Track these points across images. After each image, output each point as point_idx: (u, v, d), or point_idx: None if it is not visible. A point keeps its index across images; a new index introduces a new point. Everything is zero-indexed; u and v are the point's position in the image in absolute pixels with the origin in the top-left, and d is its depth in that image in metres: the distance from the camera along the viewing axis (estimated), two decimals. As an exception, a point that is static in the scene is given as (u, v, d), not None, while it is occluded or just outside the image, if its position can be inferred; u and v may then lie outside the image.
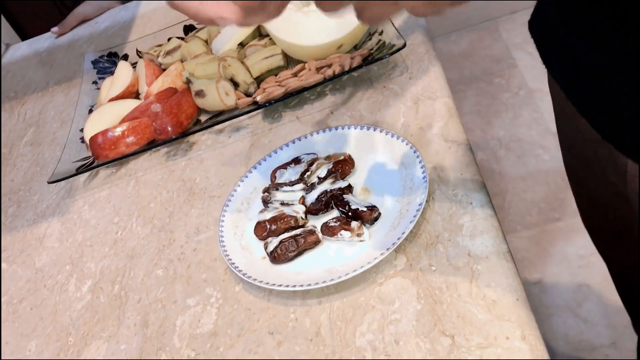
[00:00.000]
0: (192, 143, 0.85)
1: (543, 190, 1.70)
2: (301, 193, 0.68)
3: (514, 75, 2.08)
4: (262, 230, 0.66)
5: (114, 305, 0.68)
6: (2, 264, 0.81)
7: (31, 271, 0.78)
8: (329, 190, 0.66)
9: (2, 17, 1.41)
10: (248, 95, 0.85)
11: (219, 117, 0.84)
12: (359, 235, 0.61)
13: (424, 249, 0.58)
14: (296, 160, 0.72)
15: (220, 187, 0.76)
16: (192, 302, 0.64)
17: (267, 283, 0.60)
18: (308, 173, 0.69)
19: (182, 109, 0.84)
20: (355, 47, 0.85)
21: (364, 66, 0.78)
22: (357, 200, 0.64)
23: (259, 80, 0.86)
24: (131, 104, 0.90)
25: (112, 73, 1.01)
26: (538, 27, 0.59)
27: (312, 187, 0.67)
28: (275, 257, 0.62)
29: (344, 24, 0.81)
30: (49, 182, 0.83)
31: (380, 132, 0.70)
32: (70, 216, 0.83)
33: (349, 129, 0.73)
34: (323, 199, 0.65)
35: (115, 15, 1.25)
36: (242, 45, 0.91)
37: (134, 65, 1.00)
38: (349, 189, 0.66)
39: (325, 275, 0.58)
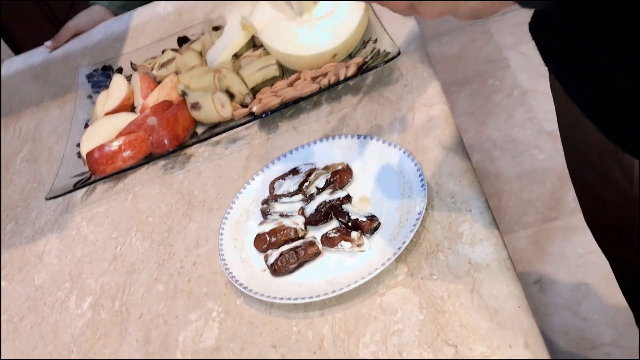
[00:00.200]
0: (189, 155, 0.85)
1: (539, 190, 1.71)
2: (300, 204, 0.68)
3: (506, 76, 2.08)
4: (262, 243, 0.66)
5: (115, 322, 0.68)
6: (2, 282, 0.81)
7: (31, 289, 0.78)
8: (327, 200, 0.66)
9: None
10: (244, 106, 0.85)
11: (215, 129, 0.84)
12: (359, 245, 0.61)
13: (425, 258, 0.58)
14: (294, 171, 0.72)
15: (218, 199, 0.76)
16: (194, 316, 0.64)
17: (269, 296, 0.60)
18: (306, 184, 0.69)
19: (178, 122, 0.84)
20: (350, 56, 0.85)
21: (359, 75, 0.78)
22: (356, 210, 0.64)
23: (254, 91, 0.86)
24: (127, 118, 0.90)
25: (106, 87, 1.00)
26: (539, 28, 0.59)
27: (310, 197, 0.68)
28: (276, 269, 0.62)
29: (339, 33, 0.81)
30: (47, 199, 0.83)
31: (377, 140, 0.71)
32: (69, 232, 0.83)
33: (345, 138, 0.73)
34: (322, 209, 0.65)
35: (109, 28, 1.25)
36: (236, 56, 0.91)
37: (128, 78, 1.00)
38: (348, 198, 0.66)
39: (326, 287, 0.58)
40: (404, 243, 0.58)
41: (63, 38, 1.26)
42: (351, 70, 0.79)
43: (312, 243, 0.63)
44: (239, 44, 0.90)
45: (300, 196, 0.69)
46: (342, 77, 0.78)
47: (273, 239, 0.65)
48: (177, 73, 0.95)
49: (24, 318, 0.74)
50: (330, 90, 0.82)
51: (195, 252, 0.71)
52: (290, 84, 0.83)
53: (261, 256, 0.65)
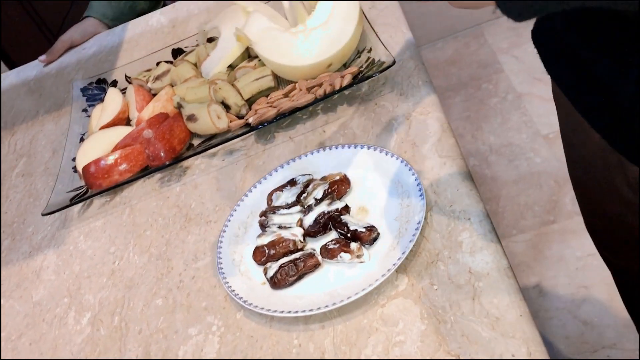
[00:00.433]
0: (185, 168, 0.84)
1: (536, 193, 1.71)
2: (298, 215, 0.68)
3: (501, 80, 2.09)
4: (261, 255, 0.65)
5: (114, 338, 0.68)
6: (0, 299, 0.80)
7: (29, 305, 0.77)
8: (326, 211, 0.66)
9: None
10: (240, 117, 0.84)
11: (211, 140, 0.84)
12: (359, 256, 0.60)
13: (425, 268, 0.58)
14: (292, 182, 0.72)
15: (216, 212, 0.76)
16: (194, 331, 0.64)
17: (269, 309, 0.59)
18: (304, 195, 0.69)
19: (174, 134, 0.84)
20: (345, 66, 0.85)
21: (355, 84, 0.78)
22: (355, 221, 0.64)
23: (250, 102, 0.86)
24: (123, 131, 0.90)
25: (101, 100, 1.00)
26: (542, 37, 0.59)
27: (309, 209, 0.67)
28: (276, 282, 0.62)
29: (333, 43, 0.81)
30: (43, 214, 0.82)
31: (374, 150, 0.70)
32: (66, 247, 0.82)
33: (342, 148, 0.73)
34: (321, 220, 0.65)
35: (102, 41, 1.25)
36: (231, 67, 0.91)
37: (123, 91, 1.00)
38: (346, 209, 0.66)
39: (326, 299, 0.58)
40: (404, 253, 0.58)
41: (57, 52, 1.26)
42: (346, 80, 0.79)
43: (311, 255, 0.63)
44: (233, 55, 0.90)
45: (298, 207, 0.68)
46: (337, 87, 0.78)
47: (272, 252, 0.65)
48: (172, 85, 0.95)
49: (22, 335, 0.74)
50: (326, 100, 0.82)
51: (194, 265, 0.71)
52: (286, 95, 0.83)
53: (260, 269, 0.65)
